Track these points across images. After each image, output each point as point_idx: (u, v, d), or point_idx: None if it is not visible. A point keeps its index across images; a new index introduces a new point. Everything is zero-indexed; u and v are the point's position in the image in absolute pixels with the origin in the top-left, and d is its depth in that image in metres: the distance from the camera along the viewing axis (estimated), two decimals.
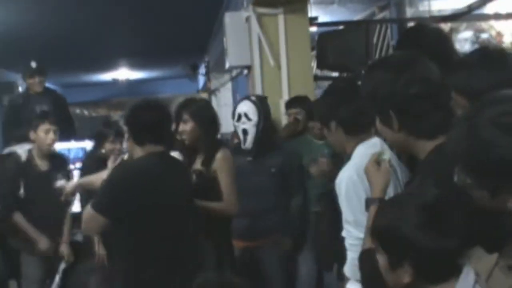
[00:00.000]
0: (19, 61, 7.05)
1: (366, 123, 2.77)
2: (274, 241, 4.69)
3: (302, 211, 4.82)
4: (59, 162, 5.17)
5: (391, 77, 2.07)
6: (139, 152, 3.36)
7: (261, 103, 4.77)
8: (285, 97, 5.47)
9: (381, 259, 1.85)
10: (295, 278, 5.01)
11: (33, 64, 6.49)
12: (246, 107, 4.68)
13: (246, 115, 4.64)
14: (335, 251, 3.98)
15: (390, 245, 1.81)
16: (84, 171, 4.97)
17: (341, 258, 2.83)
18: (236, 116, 4.71)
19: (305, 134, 5.08)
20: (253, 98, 4.83)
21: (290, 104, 5.22)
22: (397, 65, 2.12)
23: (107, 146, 4.98)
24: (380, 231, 1.85)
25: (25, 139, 5.10)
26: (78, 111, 10.80)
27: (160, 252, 3.26)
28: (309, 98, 5.15)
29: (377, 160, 2.32)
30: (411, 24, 5.97)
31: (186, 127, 3.87)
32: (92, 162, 4.93)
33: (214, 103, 10.66)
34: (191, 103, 4.01)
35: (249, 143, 4.66)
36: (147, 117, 3.36)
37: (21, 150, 5.06)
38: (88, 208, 3.22)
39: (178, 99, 14.04)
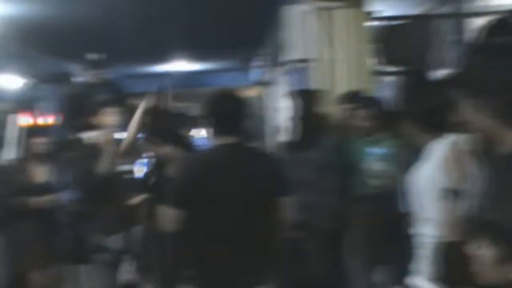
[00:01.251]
0: (78, 52, 7.17)
1: (443, 119, 2.74)
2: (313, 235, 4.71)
3: (339, 208, 4.80)
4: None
5: (494, 62, 2.03)
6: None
7: (307, 97, 4.78)
8: (342, 90, 5.45)
9: (489, 253, 1.83)
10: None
11: (92, 57, 6.59)
12: (290, 101, 4.71)
13: (289, 109, 4.68)
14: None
15: (505, 239, 1.79)
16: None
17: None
18: (281, 109, 4.76)
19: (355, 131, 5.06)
20: (299, 92, 4.85)
21: (345, 99, 5.19)
22: (500, 51, 2.07)
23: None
24: (494, 225, 1.83)
25: (86, 128, 5.20)
26: (135, 101, 10.93)
27: (216, 245, 3.30)
28: (364, 93, 5.11)
29: (456, 152, 2.29)
30: (473, 18, 5.87)
31: None
32: None
33: (268, 96, 10.65)
34: None
35: (291, 136, 4.69)
36: (220, 108, 3.42)
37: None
38: (163, 205, 3.28)
39: (235, 91, 14.15)
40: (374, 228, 4.58)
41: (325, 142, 4.80)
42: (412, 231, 2.82)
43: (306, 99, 4.81)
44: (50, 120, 5.96)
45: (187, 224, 3.29)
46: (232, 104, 3.44)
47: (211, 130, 3.43)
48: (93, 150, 5.04)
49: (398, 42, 5.62)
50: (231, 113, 3.40)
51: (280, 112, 6.03)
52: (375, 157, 4.79)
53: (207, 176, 3.31)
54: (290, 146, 4.76)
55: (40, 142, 5.34)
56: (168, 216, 3.32)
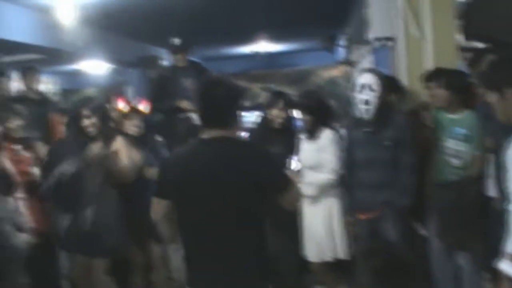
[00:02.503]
0: (162, 36, 7.28)
1: None
2: (391, 213, 4.67)
3: (414, 187, 4.73)
4: None
5: None
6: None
7: (385, 77, 4.78)
8: (429, 68, 5.33)
9: None
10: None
11: (176, 41, 6.67)
12: (369, 78, 4.73)
13: (369, 86, 4.67)
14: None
15: None
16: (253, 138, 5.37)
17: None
18: (358, 87, 4.73)
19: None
20: (377, 70, 4.83)
21: (430, 76, 5.08)
22: None
23: (274, 113, 5.24)
24: None
25: (173, 110, 5.30)
26: None
27: (197, 242, 3.15)
28: (449, 70, 4.99)
29: None
30: None
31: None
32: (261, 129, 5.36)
33: (354, 75, 10.55)
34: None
35: (369, 114, 4.69)
36: (205, 98, 3.14)
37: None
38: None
39: (317, 71, 14.05)
40: (459, 211, 4.49)
41: (399, 120, 4.76)
42: (504, 209, 2.75)
43: (385, 78, 4.79)
44: (141, 104, 6.08)
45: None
46: (218, 95, 3.07)
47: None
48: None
49: (487, 16, 5.44)
50: (216, 104, 3.07)
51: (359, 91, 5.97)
52: (457, 136, 4.70)
53: (183, 175, 3.10)
54: (363, 123, 4.75)
55: (136, 126, 5.45)
56: (153, 205, 3.25)
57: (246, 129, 5.43)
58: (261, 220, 3.13)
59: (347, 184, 4.90)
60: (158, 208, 3.23)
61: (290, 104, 5.31)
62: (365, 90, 4.70)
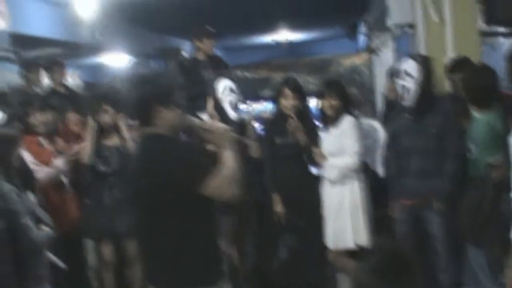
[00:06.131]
0: (183, 27, 7.27)
1: None
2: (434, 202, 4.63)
3: (457, 176, 4.66)
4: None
5: None
6: None
7: (424, 63, 4.68)
8: (450, 54, 5.28)
9: None
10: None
11: (208, 27, 6.62)
12: (409, 64, 4.65)
13: (408, 73, 4.60)
14: None
15: None
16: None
17: None
18: (397, 73, 4.67)
19: None
20: (417, 56, 4.75)
21: (453, 67, 5.01)
22: None
23: (283, 102, 5.19)
24: None
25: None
26: (239, 73, 11.03)
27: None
28: (472, 61, 4.91)
29: None
30: None
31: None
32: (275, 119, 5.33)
33: (375, 63, 10.48)
34: None
35: (409, 100, 4.62)
36: (131, 95, 3.08)
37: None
38: None
39: (339, 59, 13.99)
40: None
41: (443, 108, 4.69)
42: None
43: (425, 64, 4.70)
44: None
45: None
46: (144, 91, 2.98)
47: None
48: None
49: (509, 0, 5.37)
50: (143, 100, 2.97)
51: (390, 79, 5.88)
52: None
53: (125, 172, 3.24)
54: (404, 109, 4.68)
55: None
56: None
57: (259, 119, 5.43)
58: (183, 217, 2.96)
59: (392, 171, 4.85)
60: None
61: (300, 91, 5.27)
62: (403, 76, 4.63)
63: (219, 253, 3.11)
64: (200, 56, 6.61)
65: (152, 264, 3.03)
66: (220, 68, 6.52)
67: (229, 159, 2.94)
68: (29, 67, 7.02)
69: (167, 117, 2.95)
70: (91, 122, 5.31)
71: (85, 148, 5.27)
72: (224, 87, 5.33)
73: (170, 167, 2.88)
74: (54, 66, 7.13)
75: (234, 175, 2.92)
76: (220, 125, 3.14)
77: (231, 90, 5.36)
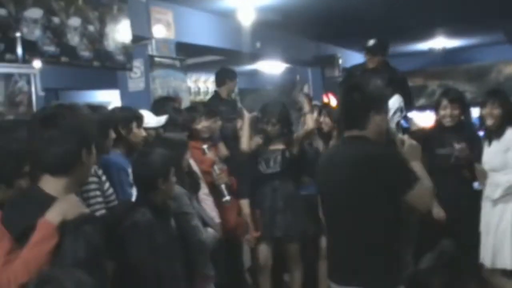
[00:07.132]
0: (339, 35, 7.31)
1: None
2: None
3: None
4: None
5: None
6: None
7: None
8: None
9: None
10: None
11: (369, 43, 6.65)
12: None
13: None
14: None
15: None
16: None
17: None
18: None
19: None
20: None
21: None
22: None
23: (442, 113, 5.17)
24: None
25: None
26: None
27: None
28: None
29: None
30: None
31: None
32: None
33: None
34: None
35: None
36: None
37: None
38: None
39: (499, 66, 13.46)
40: None
41: None
42: None
43: None
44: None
45: None
46: (354, 99, 3.24)
47: None
48: None
49: None
50: (351, 108, 3.28)
51: None
52: None
53: (323, 172, 3.45)
54: None
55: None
56: None
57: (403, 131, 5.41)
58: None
59: None
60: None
61: (460, 101, 5.16)
62: None
63: (401, 259, 3.29)
64: (370, 66, 6.61)
65: (345, 263, 3.20)
66: (392, 79, 6.36)
67: (423, 173, 3.13)
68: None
69: (378, 122, 3.15)
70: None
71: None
72: (395, 108, 5.27)
73: (391, 169, 3.06)
74: (229, 75, 7.40)
75: (432, 187, 3.13)
76: (413, 140, 3.30)
77: (401, 111, 5.33)
